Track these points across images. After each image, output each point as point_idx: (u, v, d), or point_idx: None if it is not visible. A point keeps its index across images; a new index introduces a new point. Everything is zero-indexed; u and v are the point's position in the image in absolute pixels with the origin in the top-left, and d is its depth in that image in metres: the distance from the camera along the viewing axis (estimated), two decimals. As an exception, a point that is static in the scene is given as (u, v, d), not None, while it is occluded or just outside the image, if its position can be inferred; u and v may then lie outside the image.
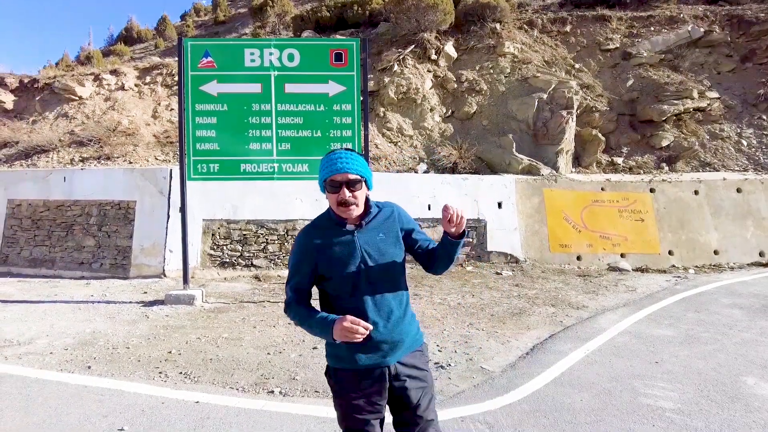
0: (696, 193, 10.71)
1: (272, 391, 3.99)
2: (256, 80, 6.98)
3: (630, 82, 13.16)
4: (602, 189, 10.69)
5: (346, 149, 2.00)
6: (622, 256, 10.01)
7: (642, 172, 11.74)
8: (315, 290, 2.10)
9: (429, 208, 9.72)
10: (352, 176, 1.91)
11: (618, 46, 13.87)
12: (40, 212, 9.47)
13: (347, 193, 1.91)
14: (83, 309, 6.66)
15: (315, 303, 2.05)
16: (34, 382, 4.25)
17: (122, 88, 12.50)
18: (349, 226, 1.98)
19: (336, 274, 1.94)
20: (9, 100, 13.04)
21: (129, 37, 21.66)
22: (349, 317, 1.80)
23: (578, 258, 9.95)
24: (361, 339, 1.80)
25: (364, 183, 1.97)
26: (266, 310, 6.68)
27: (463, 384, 4.07)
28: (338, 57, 6.96)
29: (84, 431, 3.35)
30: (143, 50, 19.59)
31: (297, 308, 1.99)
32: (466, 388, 3.98)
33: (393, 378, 1.97)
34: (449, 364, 4.50)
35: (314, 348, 5.01)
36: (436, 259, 2.04)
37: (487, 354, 4.80)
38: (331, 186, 1.92)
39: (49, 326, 5.90)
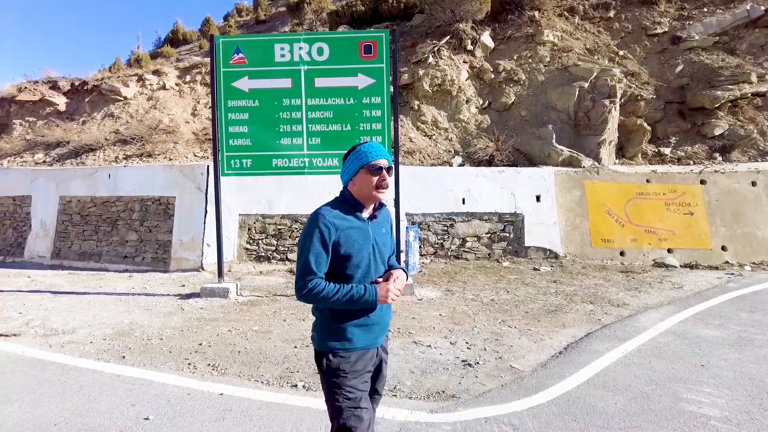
0: (753, 184, 10.01)
1: (295, 385, 3.98)
2: (286, 75, 7.01)
3: (679, 68, 12.43)
4: (648, 181, 10.17)
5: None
6: (669, 251, 9.50)
7: (692, 162, 11.08)
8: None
9: (463, 202, 9.53)
10: (389, 163, 2.13)
11: (666, 30, 13.12)
12: (88, 208, 9.90)
13: (387, 176, 2.09)
14: (124, 301, 6.90)
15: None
16: (72, 369, 4.42)
17: (163, 87, 12.90)
18: (365, 214, 2.12)
19: (352, 257, 2.05)
20: (62, 102, 13.72)
21: (175, 39, 22.33)
22: (390, 283, 2.07)
23: (621, 253, 9.51)
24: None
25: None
26: (297, 303, 6.72)
27: (490, 383, 3.92)
28: (367, 49, 6.88)
29: (113, 419, 3.43)
30: (188, 51, 20.14)
31: (327, 285, 2.00)
32: (493, 388, 3.83)
33: (378, 357, 2.18)
34: (477, 362, 4.36)
35: (341, 342, 4.97)
36: None
37: (518, 352, 4.62)
38: (373, 169, 2.06)
39: (91, 317, 6.15)
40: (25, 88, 13.98)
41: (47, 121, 13.11)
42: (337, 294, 1.98)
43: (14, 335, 5.51)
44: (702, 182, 9.95)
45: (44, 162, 11.54)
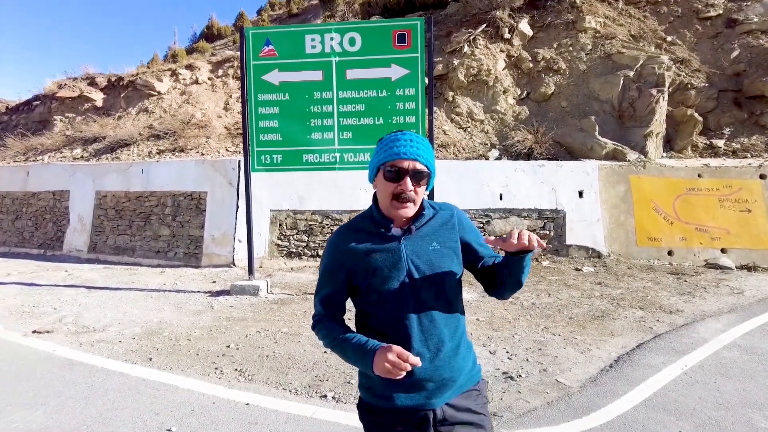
0: (819, 179, 9.20)
1: (325, 396, 3.76)
2: (317, 67, 6.77)
3: (735, 53, 11.57)
4: (699, 176, 9.49)
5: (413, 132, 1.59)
6: (722, 251, 8.84)
7: (749, 155, 10.29)
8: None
9: (501, 198, 9.12)
10: (420, 166, 1.53)
11: (721, 12, 12.23)
12: (123, 203, 9.98)
13: (410, 185, 1.51)
14: (154, 297, 6.86)
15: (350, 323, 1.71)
16: (99, 371, 4.34)
17: (196, 82, 12.92)
18: (395, 231, 1.58)
19: (374, 289, 1.56)
20: (99, 98, 13.95)
21: (210, 35, 22.57)
22: (396, 348, 1.41)
23: (669, 253, 8.91)
24: (403, 375, 1.42)
25: (427, 180, 1.58)
26: (328, 303, 6.51)
27: (535, 400, 3.59)
28: (401, 38, 6.56)
29: (136, 428, 3.29)
30: (222, 46, 20.23)
31: (328, 326, 1.63)
32: (539, 406, 3.50)
33: (439, 423, 1.55)
34: (519, 375, 4.03)
35: (372, 348, 4.74)
36: (502, 282, 1.59)
37: (563, 364, 4.26)
38: (390, 172, 1.52)
39: (122, 314, 6.11)
40: (65, 84, 14.29)
41: (85, 116, 13.35)
42: (335, 348, 1.59)
43: (47, 332, 5.51)
44: (762, 177, 9.20)
45: (82, 157, 11.73)
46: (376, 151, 1.59)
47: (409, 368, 1.40)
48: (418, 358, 1.42)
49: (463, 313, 1.67)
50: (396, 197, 1.53)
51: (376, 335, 1.56)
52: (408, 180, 1.51)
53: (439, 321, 1.57)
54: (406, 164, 1.51)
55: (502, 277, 1.57)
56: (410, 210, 1.56)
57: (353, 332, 1.61)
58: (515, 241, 1.43)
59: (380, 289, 1.56)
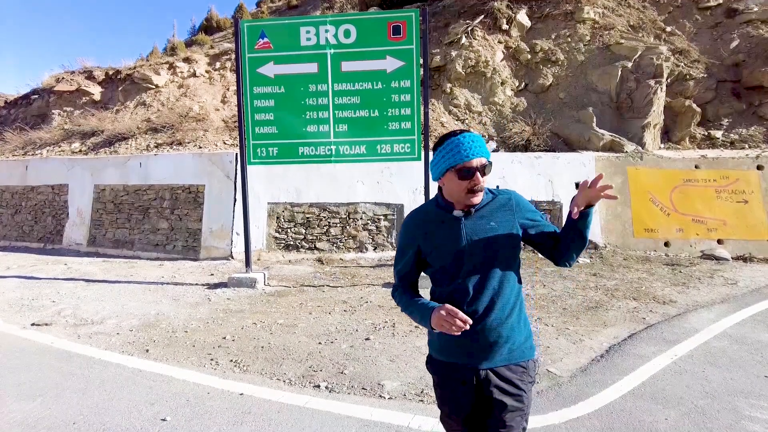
0: (817, 169, 9.20)
1: (318, 386, 3.81)
2: (311, 60, 6.77)
3: (735, 44, 11.52)
4: (696, 167, 9.49)
5: (468, 131, 1.84)
6: (719, 242, 8.86)
7: (747, 146, 10.29)
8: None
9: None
10: (485, 161, 1.77)
11: (721, 2, 12.16)
12: (121, 196, 10.02)
13: (481, 179, 1.76)
14: (153, 290, 6.92)
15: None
16: (97, 363, 4.39)
17: (194, 75, 12.90)
18: (457, 212, 1.83)
19: (437, 260, 1.85)
20: (97, 92, 13.93)
21: (209, 27, 22.44)
22: (447, 306, 1.69)
23: (666, 244, 8.94)
24: (458, 332, 1.67)
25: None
26: (324, 294, 6.57)
27: (525, 389, 3.64)
28: (396, 30, 6.55)
29: (130, 419, 3.35)
30: (221, 38, 20.12)
31: (401, 295, 1.96)
32: (528, 395, 3.54)
33: (482, 384, 1.78)
34: (510, 365, 4.07)
35: (366, 339, 4.79)
36: (567, 244, 1.82)
37: (555, 354, 4.31)
38: (464, 172, 1.75)
39: (120, 307, 6.17)
40: (63, 78, 14.27)
41: (83, 110, 13.35)
42: (406, 310, 1.91)
43: (46, 324, 5.57)
44: (759, 168, 9.20)
45: (80, 151, 11.75)
46: (441, 156, 1.80)
47: (461, 324, 1.65)
48: (467, 318, 1.67)
49: (517, 286, 1.86)
50: (471, 190, 1.77)
51: (439, 299, 1.83)
52: (478, 174, 1.75)
53: (489, 289, 1.78)
54: (475, 162, 1.74)
55: (568, 240, 1.81)
56: (480, 197, 1.81)
57: (420, 297, 1.91)
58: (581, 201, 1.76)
59: (443, 258, 1.83)
